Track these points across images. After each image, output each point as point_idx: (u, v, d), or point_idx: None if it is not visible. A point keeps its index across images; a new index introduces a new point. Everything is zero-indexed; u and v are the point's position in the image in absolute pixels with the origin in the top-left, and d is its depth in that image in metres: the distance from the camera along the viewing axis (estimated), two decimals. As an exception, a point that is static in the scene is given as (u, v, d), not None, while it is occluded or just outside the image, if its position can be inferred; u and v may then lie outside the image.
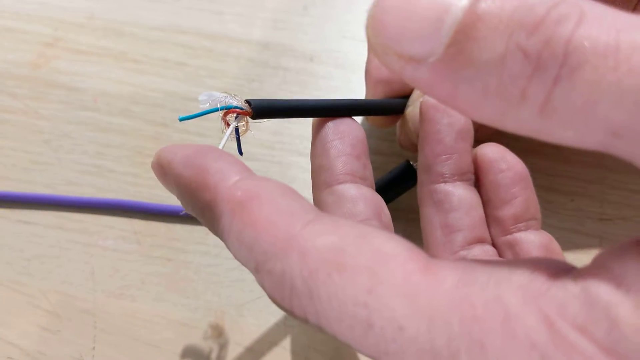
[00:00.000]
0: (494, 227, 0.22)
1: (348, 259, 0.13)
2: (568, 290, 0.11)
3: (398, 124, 0.27)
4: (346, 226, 0.14)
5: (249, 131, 0.19)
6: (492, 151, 0.22)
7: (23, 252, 0.30)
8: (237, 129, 0.18)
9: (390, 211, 0.29)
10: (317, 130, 0.21)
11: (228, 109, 0.18)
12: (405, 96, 0.25)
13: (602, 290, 0.11)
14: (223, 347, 0.27)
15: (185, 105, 0.33)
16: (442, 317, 0.12)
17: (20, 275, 0.29)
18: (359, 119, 0.30)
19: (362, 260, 0.13)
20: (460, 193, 0.21)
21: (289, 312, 0.13)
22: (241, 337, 0.27)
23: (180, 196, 0.16)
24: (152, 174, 0.17)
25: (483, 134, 0.29)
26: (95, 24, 0.36)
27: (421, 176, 0.22)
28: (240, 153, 0.19)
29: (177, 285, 0.28)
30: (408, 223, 0.29)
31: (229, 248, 0.15)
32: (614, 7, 0.11)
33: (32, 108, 0.34)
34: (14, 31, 0.36)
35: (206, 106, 0.18)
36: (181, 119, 0.18)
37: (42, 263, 0.29)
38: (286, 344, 0.27)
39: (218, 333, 0.27)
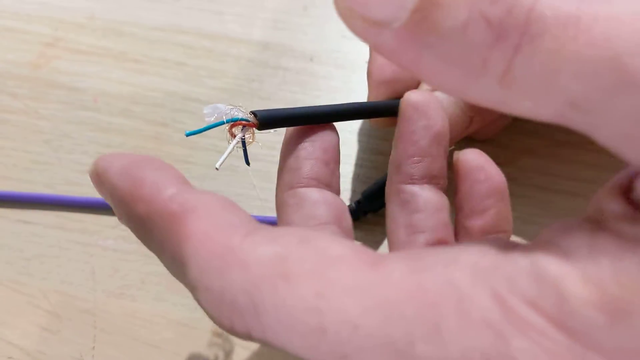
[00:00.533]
0: (462, 236, 0.21)
1: (293, 266, 0.12)
2: (517, 265, 0.11)
3: (400, 124, 0.27)
4: (287, 234, 0.13)
5: (255, 142, 0.19)
6: (472, 158, 0.21)
7: (23, 252, 0.30)
8: (243, 141, 0.18)
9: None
10: (290, 130, 0.20)
11: (234, 122, 0.18)
12: None
13: (550, 264, 0.11)
14: (223, 346, 0.27)
15: (185, 105, 0.33)
16: (395, 308, 0.11)
17: (20, 275, 0.29)
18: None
19: (308, 265, 0.12)
20: (426, 195, 0.21)
21: (230, 329, 0.13)
22: (241, 337, 0.27)
23: (114, 207, 0.15)
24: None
25: (483, 134, 0.29)
26: (95, 24, 0.36)
27: (391, 173, 0.21)
28: (248, 163, 0.19)
29: (177, 285, 0.28)
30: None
31: (163, 264, 0.14)
32: None
33: (33, 108, 0.34)
34: (14, 31, 0.36)
35: (211, 119, 0.18)
36: (188, 134, 0.18)
37: (42, 263, 0.29)
38: (286, 343, 0.27)
39: (218, 333, 0.27)
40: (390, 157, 0.21)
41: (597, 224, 0.11)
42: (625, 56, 0.10)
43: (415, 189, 0.21)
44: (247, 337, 0.13)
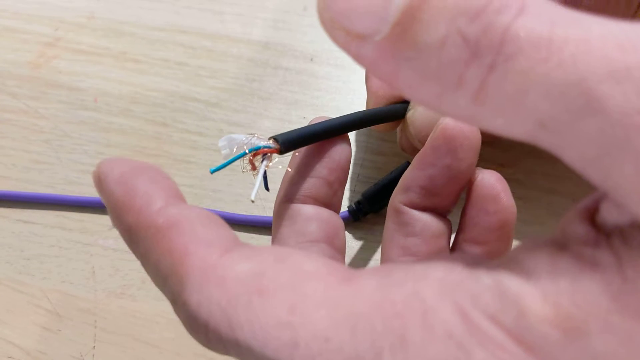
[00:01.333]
0: (456, 254, 0.21)
1: (267, 282, 0.13)
2: (481, 282, 0.12)
3: (399, 128, 0.27)
4: (265, 252, 0.14)
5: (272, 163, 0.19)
6: (488, 185, 0.20)
7: (23, 252, 0.30)
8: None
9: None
10: None
11: (257, 150, 0.18)
12: (406, 101, 0.25)
13: (512, 282, 0.11)
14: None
15: (186, 105, 0.33)
16: (364, 321, 0.12)
17: (20, 274, 0.29)
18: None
19: (282, 281, 0.13)
20: (426, 220, 0.20)
21: (206, 343, 0.13)
22: (241, 337, 0.27)
23: (109, 212, 0.16)
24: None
25: (485, 136, 0.29)
26: (95, 24, 0.36)
27: (397, 189, 0.21)
28: (267, 189, 0.19)
29: (178, 284, 0.28)
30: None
31: (147, 272, 0.15)
32: (612, 13, 0.11)
33: (33, 108, 0.34)
34: (14, 31, 0.36)
35: (227, 151, 0.18)
36: (212, 171, 0.18)
37: (43, 262, 0.29)
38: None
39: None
40: (406, 171, 0.21)
41: (560, 246, 0.12)
42: (591, 80, 0.10)
43: (415, 213, 0.20)
44: (224, 351, 0.13)
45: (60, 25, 0.36)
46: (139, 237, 0.14)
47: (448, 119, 0.20)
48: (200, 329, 0.13)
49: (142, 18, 0.36)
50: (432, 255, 0.20)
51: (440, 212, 0.21)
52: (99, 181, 0.16)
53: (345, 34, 0.12)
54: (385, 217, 0.29)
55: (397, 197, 0.21)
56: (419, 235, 0.20)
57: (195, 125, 0.32)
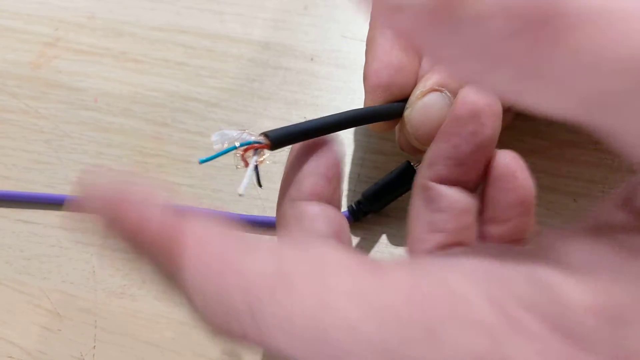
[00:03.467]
0: (479, 238, 0.21)
1: (291, 272, 0.12)
2: (514, 271, 0.11)
3: (397, 127, 0.27)
4: (284, 244, 0.13)
5: (266, 161, 0.19)
6: (504, 164, 0.20)
7: (23, 252, 0.30)
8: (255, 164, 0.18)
9: (392, 211, 0.29)
10: (297, 144, 0.20)
11: (247, 145, 0.18)
12: (404, 100, 0.25)
13: (547, 270, 0.11)
14: (223, 346, 0.27)
15: (186, 105, 0.33)
16: (393, 312, 0.11)
17: (20, 274, 0.29)
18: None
19: (307, 271, 0.12)
20: (453, 196, 0.20)
21: (227, 333, 0.13)
22: (242, 337, 0.27)
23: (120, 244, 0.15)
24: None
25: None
26: (95, 24, 0.36)
27: (422, 166, 0.21)
28: (260, 186, 0.19)
29: (178, 284, 0.28)
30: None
31: (165, 287, 0.14)
32: None
33: (33, 108, 0.34)
34: (14, 31, 0.36)
35: (219, 146, 0.18)
36: (201, 162, 0.18)
37: (43, 262, 0.29)
38: (287, 343, 0.27)
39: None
40: (429, 148, 0.21)
41: (597, 233, 0.11)
42: None
43: (442, 188, 0.20)
44: (244, 341, 0.13)
45: (60, 25, 0.36)
46: (149, 255, 0.14)
47: (467, 89, 0.19)
48: (222, 320, 0.12)
49: (142, 18, 0.36)
50: (460, 231, 0.20)
51: (467, 187, 0.20)
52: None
53: (382, 1, 0.11)
54: (385, 216, 0.29)
55: (423, 173, 0.20)
56: (446, 211, 0.20)
57: (196, 125, 0.32)
